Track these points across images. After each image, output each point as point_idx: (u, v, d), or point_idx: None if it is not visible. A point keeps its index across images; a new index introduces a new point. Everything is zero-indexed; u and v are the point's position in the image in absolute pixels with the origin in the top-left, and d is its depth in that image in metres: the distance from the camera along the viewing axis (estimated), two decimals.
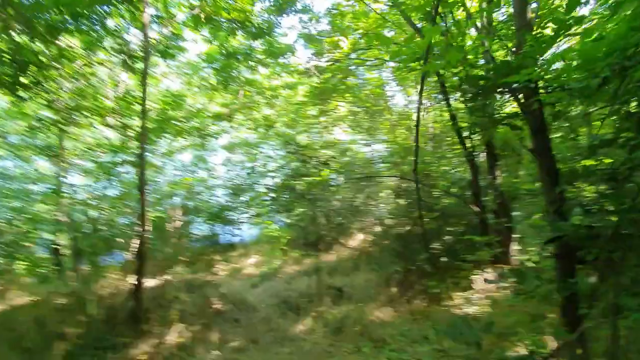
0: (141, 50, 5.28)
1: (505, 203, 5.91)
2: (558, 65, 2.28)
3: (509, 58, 2.89)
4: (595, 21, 3.52)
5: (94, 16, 5.26)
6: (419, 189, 6.94)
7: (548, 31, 2.77)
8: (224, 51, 8.47)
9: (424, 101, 10.92)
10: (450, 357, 3.56)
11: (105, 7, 5.29)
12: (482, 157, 6.55)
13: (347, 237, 9.85)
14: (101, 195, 7.79)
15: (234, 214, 11.42)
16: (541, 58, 2.33)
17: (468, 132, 5.93)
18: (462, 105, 5.40)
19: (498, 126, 2.70)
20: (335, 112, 11.44)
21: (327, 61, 8.60)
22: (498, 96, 2.71)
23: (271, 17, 7.84)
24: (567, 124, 2.61)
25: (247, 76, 10.27)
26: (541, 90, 2.32)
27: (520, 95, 2.52)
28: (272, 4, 7.66)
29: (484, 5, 4.58)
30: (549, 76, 2.20)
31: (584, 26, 2.90)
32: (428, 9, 3.79)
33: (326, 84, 9.10)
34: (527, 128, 2.68)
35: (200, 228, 10.50)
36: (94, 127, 7.20)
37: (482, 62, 3.34)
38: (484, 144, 6.18)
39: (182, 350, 4.16)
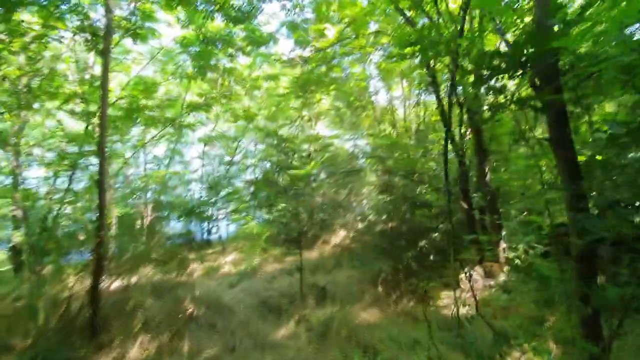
0: (103, 27, 4.71)
1: (495, 200, 5.77)
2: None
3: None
4: None
5: None
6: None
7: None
8: (201, 37, 7.92)
9: (410, 96, 10.78)
10: None
11: None
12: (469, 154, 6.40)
13: (330, 234, 9.57)
14: (63, 190, 7.09)
15: (211, 210, 10.90)
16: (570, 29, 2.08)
17: (458, 127, 5.74)
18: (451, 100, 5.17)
19: (512, 107, 2.44)
20: (318, 106, 11.11)
21: (312, 51, 8.22)
22: (511, 82, 2.45)
23: (253, 1, 7.36)
24: (587, 110, 2.39)
25: (226, 65, 9.75)
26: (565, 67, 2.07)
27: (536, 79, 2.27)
28: None
29: None
30: (582, 49, 1.95)
31: None
32: None
33: (310, 75, 8.73)
34: (538, 116, 2.44)
35: (174, 225, 9.89)
36: (52, 113, 6.51)
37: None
38: (474, 138, 6.01)
39: None
